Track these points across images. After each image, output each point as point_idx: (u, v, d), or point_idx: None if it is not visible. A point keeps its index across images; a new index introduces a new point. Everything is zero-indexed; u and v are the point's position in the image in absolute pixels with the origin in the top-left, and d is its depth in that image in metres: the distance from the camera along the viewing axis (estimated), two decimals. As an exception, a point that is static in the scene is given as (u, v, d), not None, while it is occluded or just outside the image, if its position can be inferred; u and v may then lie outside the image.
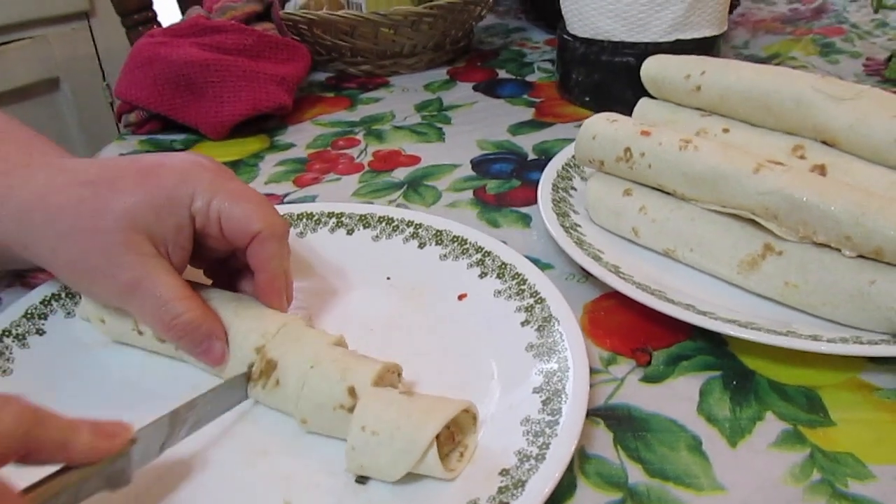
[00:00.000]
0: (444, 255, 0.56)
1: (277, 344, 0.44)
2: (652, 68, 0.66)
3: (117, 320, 0.48)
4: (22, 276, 0.59)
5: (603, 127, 0.61)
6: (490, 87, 0.94)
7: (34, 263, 0.47)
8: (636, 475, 0.41)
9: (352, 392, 0.41)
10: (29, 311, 0.51)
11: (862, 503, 0.38)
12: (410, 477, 0.39)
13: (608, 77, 0.84)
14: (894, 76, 0.93)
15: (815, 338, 0.46)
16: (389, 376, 0.43)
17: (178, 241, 0.46)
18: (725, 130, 0.61)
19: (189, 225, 0.46)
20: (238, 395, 0.44)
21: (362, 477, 0.40)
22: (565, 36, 0.87)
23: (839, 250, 0.49)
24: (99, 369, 0.49)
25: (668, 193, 0.58)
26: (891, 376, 0.46)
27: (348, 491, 0.40)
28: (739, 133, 0.61)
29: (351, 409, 0.40)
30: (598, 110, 0.64)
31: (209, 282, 0.52)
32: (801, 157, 0.57)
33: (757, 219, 0.52)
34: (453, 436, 0.41)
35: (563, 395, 0.42)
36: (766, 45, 1.07)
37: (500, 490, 0.37)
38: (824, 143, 0.57)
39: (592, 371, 0.45)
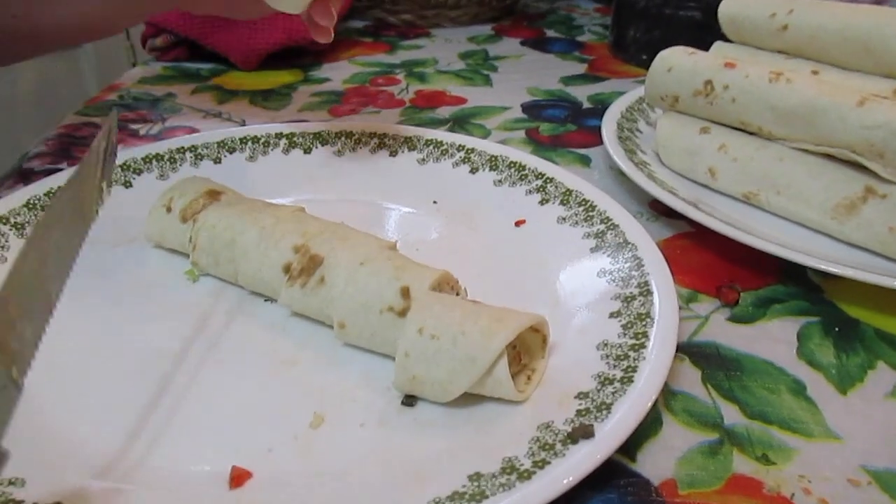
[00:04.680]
0: (500, 181, 0.50)
1: (322, 241, 0.38)
2: (732, 7, 0.60)
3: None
4: (26, 180, 0.53)
5: (680, 59, 0.55)
6: (539, 44, 0.88)
7: None
8: (732, 415, 0.34)
9: (405, 293, 0.34)
10: (31, 202, 0.45)
11: None
12: (468, 399, 0.33)
13: (670, 33, 0.78)
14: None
15: (932, 285, 0.40)
16: (447, 289, 0.37)
17: None
18: (815, 73, 0.55)
19: None
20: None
21: (410, 397, 0.34)
22: (625, -11, 0.81)
23: (957, 193, 0.43)
24: (103, 266, 0.43)
25: (750, 134, 0.52)
26: None
27: (392, 408, 0.33)
28: (830, 76, 0.54)
29: (401, 314, 0.34)
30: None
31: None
32: (905, 101, 0.51)
33: (858, 158, 0.46)
34: (520, 356, 0.35)
35: (647, 320, 0.35)
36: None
37: (580, 413, 0.31)
38: (932, 86, 0.51)
39: (673, 306, 0.39)
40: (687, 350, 0.38)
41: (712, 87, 0.52)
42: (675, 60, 0.55)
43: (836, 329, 0.40)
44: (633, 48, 0.82)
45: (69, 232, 0.29)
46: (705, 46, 0.62)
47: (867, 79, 0.53)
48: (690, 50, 0.56)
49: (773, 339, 0.39)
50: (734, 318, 0.41)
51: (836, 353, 0.39)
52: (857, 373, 0.37)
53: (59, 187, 0.46)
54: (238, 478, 0.30)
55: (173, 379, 0.35)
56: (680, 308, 0.41)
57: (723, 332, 0.40)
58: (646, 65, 0.80)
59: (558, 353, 0.36)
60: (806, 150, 0.48)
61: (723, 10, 0.61)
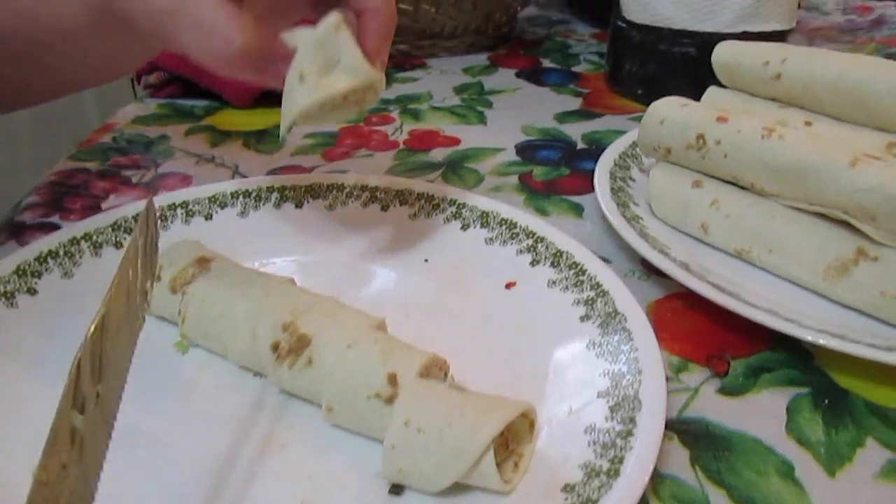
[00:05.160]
0: (490, 239, 0.50)
1: (310, 319, 0.38)
2: (725, 53, 0.60)
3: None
4: (18, 234, 0.53)
5: (673, 111, 0.54)
6: (534, 75, 0.88)
7: None
8: (720, 502, 0.34)
9: (392, 380, 0.34)
10: (21, 268, 0.45)
11: None
12: (455, 488, 0.33)
13: (665, 69, 0.78)
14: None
15: (923, 356, 0.40)
16: (436, 371, 0.37)
17: None
18: (808, 123, 0.55)
19: None
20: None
21: (398, 486, 0.34)
22: (619, 23, 0.81)
23: (949, 259, 0.42)
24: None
25: (743, 188, 0.52)
26: None
27: (379, 498, 0.33)
28: (824, 127, 0.54)
29: (388, 401, 0.34)
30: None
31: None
32: (897, 156, 0.51)
33: (850, 219, 0.46)
34: (507, 443, 0.35)
35: (635, 402, 0.35)
36: (827, 52, 1.01)
37: (566, 509, 0.31)
38: (924, 141, 0.51)
39: (662, 378, 0.38)
40: (676, 427, 0.38)
41: (704, 142, 0.52)
42: (668, 112, 0.55)
43: (826, 401, 0.40)
44: (629, 82, 0.82)
45: (115, 352, 0.27)
46: (700, 83, 0.62)
47: (860, 131, 0.53)
48: (683, 101, 0.55)
49: (763, 413, 0.39)
50: (724, 391, 0.41)
51: (825, 428, 0.39)
52: (846, 451, 0.37)
53: (48, 251, 0.46)
54: (223, 579, 0.30)
55: (154, 463, 0.35)
56: (669, 380, 0.41)
57: (712, 406, 0.40)
58: (641, 99, 0.81)
59: (546, 435, 0.36)
60: (799, 209, 0.48)
61: (716, 57, 0.60)
